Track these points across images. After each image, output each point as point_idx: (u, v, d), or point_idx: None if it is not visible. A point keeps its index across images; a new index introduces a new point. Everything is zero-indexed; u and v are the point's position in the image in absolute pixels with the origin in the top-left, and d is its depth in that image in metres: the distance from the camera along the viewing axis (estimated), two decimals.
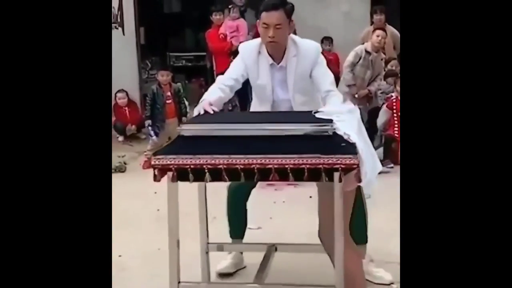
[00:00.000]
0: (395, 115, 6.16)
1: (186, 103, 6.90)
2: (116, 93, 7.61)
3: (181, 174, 2.35)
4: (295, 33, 3.31)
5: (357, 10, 8.00)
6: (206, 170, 2.32)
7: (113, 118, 7.53)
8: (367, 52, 6.38)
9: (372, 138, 5.74)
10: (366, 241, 3.30)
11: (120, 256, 3.67)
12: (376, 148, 3.79)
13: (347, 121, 2.48)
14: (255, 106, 3.43)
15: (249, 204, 4.30)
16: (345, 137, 2.38)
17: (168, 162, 2.35)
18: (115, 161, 6.40)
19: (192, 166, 2.32)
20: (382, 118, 6.37)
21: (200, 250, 3.05)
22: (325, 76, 3.19)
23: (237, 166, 2.30)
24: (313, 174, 2.29)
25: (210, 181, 2.34)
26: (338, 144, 2.35)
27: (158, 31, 10.33)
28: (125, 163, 6.48)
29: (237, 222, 3.51)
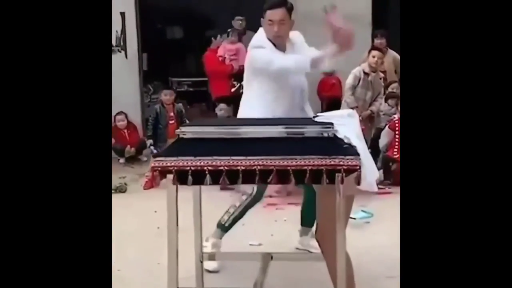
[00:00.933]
0: (397, 136, 6.15)
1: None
2: (115, 115, 7.61)
3: (181, 177, 2.31)
4: None
5: (358, 34, 8.02)
6: (206, 172, 2.28)
7: (113, 141, 7.52)
8: (365, 73, 6.47)
9: (375, 160, 5.77)
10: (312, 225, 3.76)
11: (119, 270, 3.62)
12: (378, 169, 3.81)
13: (347, 125, 2.49)
14: (268, 97, 3.55)
15: (251, 222, 4.29)
16: (346, 140, 2.38)
17: (168, 164, 2.31)
18: (116, 182, 6.40)
19: (192, 168, 2.29)
20: (384, 139, 6.37)
21: (194, 260, 3.01)
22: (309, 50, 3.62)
23: (238, 167, 2.27)
24: (315, 176, 2.26)
25: (210, 183, 2.30)
26: (340, 145, 2.33)
27: (161, 56, 10.41)
28: (125, 184, 6.46)
29: (239, 220, 3.86)
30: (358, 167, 2.26)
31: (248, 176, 2.27)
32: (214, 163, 2.28)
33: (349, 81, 6.57)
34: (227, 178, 2.29)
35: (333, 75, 8.11)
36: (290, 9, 3.56)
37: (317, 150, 2.28)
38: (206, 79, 8.70)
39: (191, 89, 10.17)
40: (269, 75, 3.49)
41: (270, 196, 5.87)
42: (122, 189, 6.31)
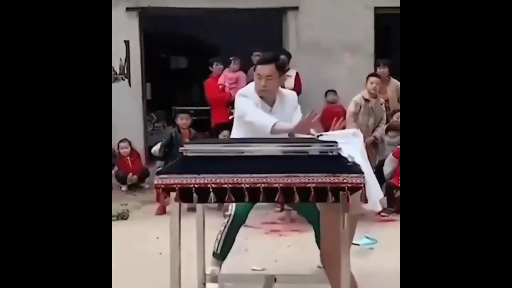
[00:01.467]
0: None
1: None
2: (118, 142, 7.61)
3: (185, 194, 2.29)
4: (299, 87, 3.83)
5: (362, 63, 8.08)
6: (210, 190, 2.27)
7: (116, 168, 7.50)
8: (365, 99, 6.53)
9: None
10: None
11: None
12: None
13: (352, 144, 2.49)
14: None
15: (254, 248, 4.26)
16: (350, 159, 2.36)
17: (172, 182, 2.30)
18: (119, 209, 6.38)
19: (196, 186, 2.27)
20: (388, 167, 6.36)
21: (197, 282, 2.97)
22: (296, 114, 3.70)
23: (242, 185, 2.25)
24: (320, 194, 2.25)
25: (214, 201, 2.29)
26: (344, 163, 2.32)
27: (164, 85, 10.46)
28: (127, 211, 6.43)
29: (230, 244, 3.81)
30: (362, 185, 2.25)
31: (253, 193, 2.26)
32: (218, 181, 2.26)
33: (350, 108, 6.63)
34: (232, 196, 2.27)
35: (336, 103, 8.14)
36: (280, 66, 3.71)
37: (321, 168, 2.28)
38: (208, 107, 8.73)
39: (194, 118, 10.17)
40: (245, 122, 3.70)
41: (273, 223, 5.85)
42: (124, 216, 6.29)
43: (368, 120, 6.56)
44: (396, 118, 6.94)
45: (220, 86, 7.66)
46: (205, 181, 2.27)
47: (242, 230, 5.34)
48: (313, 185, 2.24)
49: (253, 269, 4.11)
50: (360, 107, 6.54)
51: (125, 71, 8.28)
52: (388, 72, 7.25)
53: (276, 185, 2.25)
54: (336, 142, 2.42)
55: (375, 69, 7.42)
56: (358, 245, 4.58)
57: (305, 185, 2.25)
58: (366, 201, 2.29)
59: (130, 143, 7.77)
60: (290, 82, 7.87)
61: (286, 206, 5.91)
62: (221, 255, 3.84)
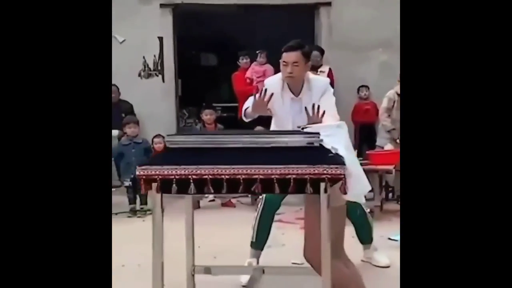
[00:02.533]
0: None
1: None
2: (153, 138, 7.69)
3: (166, 185, 2.30)
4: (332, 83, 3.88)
5: (394, 59, 8.03)
6: (191, 181, 2.27)
7: None
8: (398, 94, 6.47)
9: None
10: (370, 242, 4.30)
11: None
12: None
13: (336, 136, 2.47)
14: None
15: (291, 242, 4.29)
16: (333, 150, 2.35)
17: (153, 173, 2.30)
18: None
19: (177, 177, 2.27)
20: None
21: (186, 273, 2.97)
22: (329, 106, 3.58)
23: (222, 176, 2.25)
24: (299, 185, 2.24)
25: (194, 193, 2.29)
26: (324, 155, 2.30)
27: (195, 82, 10.52)
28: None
29: (265, 232, 3.98)
30: (342, 176, 2.23)
31: (232, 185, 2.26)
32: (198, 172, 2.26)
33: (384, 104, 6.65)
34: (212, 187, 2.27)
35: (368, 99, 8.13)
36: (306, 53, 3.70)
37: (301, 159, 2.26)
38: (237, 104, 8.76)
39: (224, 114, 10.24)
40: None
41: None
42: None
43: None
44: None
45: (248, 80, 7.68)
46: (186, 172, 2.27)
47: (278, 225, 5.41)
48: (293, 176, 2.23)
49: (293, 263, 4.14)
50: (394, 103, 6.52)
51: (159, 67, 8.35)
52: None
53: (256, 176, 2.24)
54: (318, 134, 2.41)
55: None
56: (396, 240, 4.57)
57: (285, 177, 2.23)
58: (345, 192, 2.27)
59: (164, 138, 7.84)
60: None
61: None
62: (257, 243, 3.99)
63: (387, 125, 6.54)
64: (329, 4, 8.32)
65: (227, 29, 10.13)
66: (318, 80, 3.84)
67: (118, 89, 7.84)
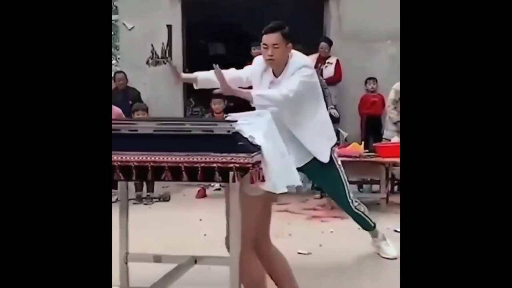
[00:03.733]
0: None
1: None
2: None
3: None
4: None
5: (397, 50, 8.03)
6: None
7: None
8: None
9: None
10: (372, 228, 4.22)
11: None
12: None
13: (255, 124, 2.44)
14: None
15: (297, 233, 4.30)
16: (250, 139, 2.32)
17: None
18: (160, 191, 6.50)
19: None
20: None
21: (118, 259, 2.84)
22: (288, 84, 3.49)
23: (130, 163, 2.24)
24: (208, 174, 2.22)
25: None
26: (235, 143, 2.27)
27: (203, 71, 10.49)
28: (169, 193, 6.55)
29: None
30: (250, 165, 2.22)
31: (141, 172, 2.25)
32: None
33: (391, 96, 6.69)
34: (121, 174, 2.27)
35: (375, 92, 8.12)
36: (286, 34, 3.53)
37: (211, 147, 2.23)
38: None
39: (231, 104, 10.23)
40: None
41: (314, 209, 5.89)
42: (166, 198, 6.42)
43: None
44: None
45: None
46: None
47: (284, 215, 5.44)
48: (201, 164, 2.21)
49: (299, 253, 4.17)
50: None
51: (167, 55, 8.35)
52: None
53: (164, 164, 2.23)
54: (235, 122, 2.37)
55: None
56: (399, 232, 4.59)
57: (193, 165, 2.21)
58: (252, 182, 2.26)
59: None
60: (330, 69, 7.88)
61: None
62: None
63: (394, 117, 6.57)
64: None
65: (235, 18, 10.10)
66: (296, 62, 3.61)
67: (125, 76, 7.84)
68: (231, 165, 2.20)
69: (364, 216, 4.09)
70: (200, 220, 5.13)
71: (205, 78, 3.77)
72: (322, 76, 7.69)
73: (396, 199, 6.35)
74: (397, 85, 6.61)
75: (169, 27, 8.31)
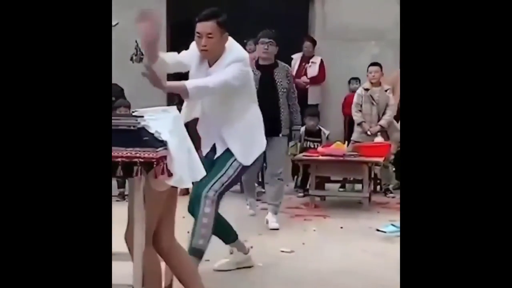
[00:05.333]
0: None
1: None
2: None
3: None
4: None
5: (387, 52, 8.05)
6: None
7: None
8: (365, 89, 6.77)
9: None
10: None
11: None
12: None
13: (161, 120, 2.46)
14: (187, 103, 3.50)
15: (280, 231, 4.39)
16: (156, 134, 2.34)
17: None
18: None
19: None
20: None
21: None
22: (224, 71, 3.25)
23: None
24: (112, 168, 2.18)
25: None
26: (139, 138, 2.28)
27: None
28: None
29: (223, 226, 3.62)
30: (154, 160, 2.23)
31: None
32: None
33: (354, 99, 6.90)
34: None
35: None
36: (222, 23, 3.28)
37: (116, 141, 2.19)
38: None
39: None
40: None
41: (297, 208, 5.91)
42: None
43: (371, 109, 6.74)
44: None
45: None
46: None
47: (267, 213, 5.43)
48: None
49: (282, 251, 4.18)
50: (362, 98, 6.75)
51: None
52: None
53: None
54: (141, 117, 2.37)
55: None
56: (384, 232, 4.62)
57: None
58: (156, 176, 2.28)
59: None
60: (314, 68, 7.90)
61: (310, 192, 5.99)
62: (226, 240, 3.75)
63: (356, 118, 6.81)
64: None
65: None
66: (233, 53, 3.34)
67: None
68: (136, 159, 2.22)
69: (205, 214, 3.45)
70: (183, 217, 5.11)
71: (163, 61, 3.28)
72: (306, 75, 7.71)
73: (378, 199, 6.40)
74: (359, 89, 6.90)
75: None
